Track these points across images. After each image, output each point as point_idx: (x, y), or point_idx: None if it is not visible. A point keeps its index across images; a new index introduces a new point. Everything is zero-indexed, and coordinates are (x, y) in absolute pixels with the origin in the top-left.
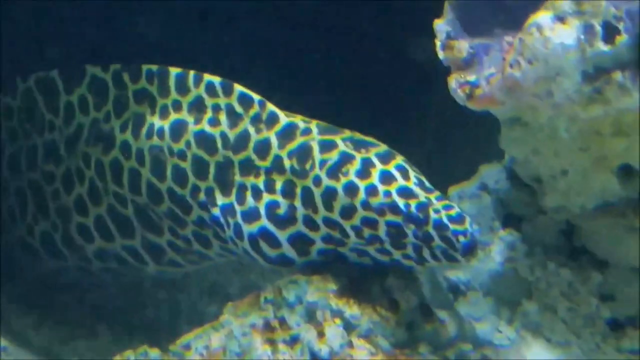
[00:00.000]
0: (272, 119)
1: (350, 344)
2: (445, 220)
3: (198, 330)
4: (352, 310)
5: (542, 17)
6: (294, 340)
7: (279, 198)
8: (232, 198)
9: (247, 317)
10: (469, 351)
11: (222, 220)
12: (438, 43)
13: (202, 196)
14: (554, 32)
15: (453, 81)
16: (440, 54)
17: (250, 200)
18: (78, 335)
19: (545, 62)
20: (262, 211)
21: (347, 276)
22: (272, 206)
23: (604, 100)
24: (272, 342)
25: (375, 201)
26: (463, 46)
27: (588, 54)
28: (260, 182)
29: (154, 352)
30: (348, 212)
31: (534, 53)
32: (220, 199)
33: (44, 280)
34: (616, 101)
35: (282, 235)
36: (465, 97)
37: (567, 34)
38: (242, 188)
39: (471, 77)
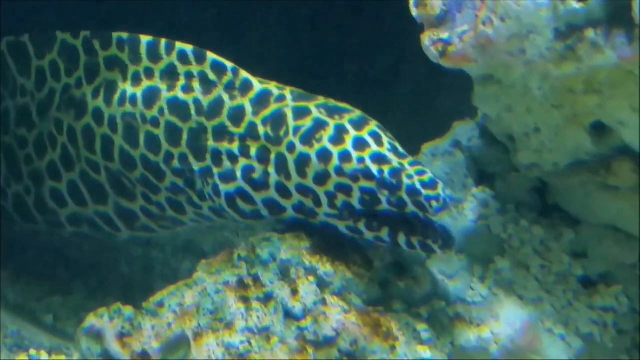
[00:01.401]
0: (246, 86)
1: (324, 302)
2: (418, 185)
3: (171, 288)
4: (325, 267)
5: None
6: (267, 298)
7: (254, 163)
8: (208, 162)
9: (221, 274)
10: (442, 308)
11: (203, 182)
12: (411, 1)
13: (175, 163)
14: None
15: (426, 39)
16: (414, 11)
17: (226, 163)
18: (53, 292)
19: (518, 19)
20: (239, 174)
21: (320, 234)
22: (247, 170)
23: (577, 58)
24: (245, 300)
25: (348, 167)
26: (436, 3)
27: (560, 11)
28: (235, 147)
29: (128, 310)
30: (321, 178)
31: (506, 10)
32: (195, 165)
33: (18, 239)
34: (588, 59)
35: (257, 197)
36: (438, 54)
37: None
38: (217, 153)
39: (444, 35)
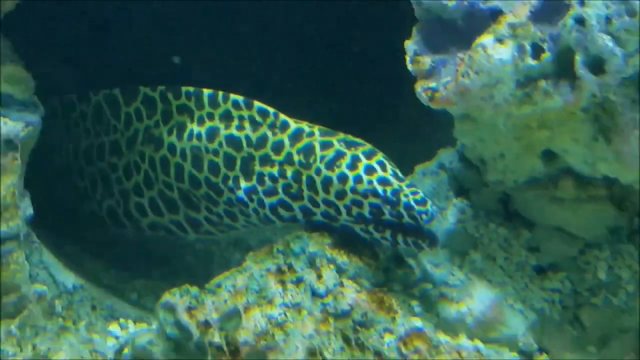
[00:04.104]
0: (284, 126)
1: (342, 284)
2: (412, 203)
3: (227, 273)
4: (342, 258)
5: (486, 39)
6: (298, 281)
7: (291, 182)
8: (254, 182)
9: (264, 263)
10: (430, 289)
11: (245, 199)
12: (408, 58)
13: (230, 182)
14: (495, 50)
15: (419, 87)
16: (409, 67)
17: (268, 182)
18: (137, 277)
19: (488, 73)
20: (280, 189)
21: (339, 233)
22: (287, 187)
23: (532, 102)
24: (282, 282)
25: (360, 187)
26: (426, 60)
27: (520, 67)
28: (275, 171)
29: (194, 290)
30: (341, 195)
31: (479, 66)
32: (243, 183)
33: (111, 238)
34: (541, 102)
35: (295, 205)
36: (428, 99)
37: (504, 52)
38: (261, 175)
39: (432, 84)
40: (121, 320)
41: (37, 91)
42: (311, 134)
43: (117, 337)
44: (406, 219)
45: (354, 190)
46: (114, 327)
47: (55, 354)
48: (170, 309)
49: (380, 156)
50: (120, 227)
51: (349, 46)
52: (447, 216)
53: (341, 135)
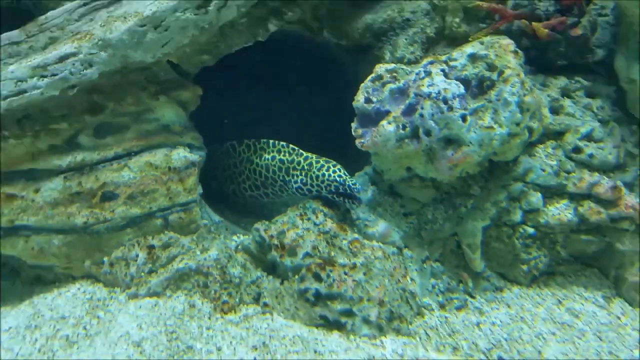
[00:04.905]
0: (301, 154)
1: (325, 220)
2: (350, 184)
3: (279, 216)
4: (326, 209)
5: (384, 122)
6: (309, 219)
7: (304, 177)
8: (290, 177)
9: (295, 212)
10: (360, 222)
11: (286, 185)
12: (352, 129)
13: (280, 178)
14: (387, 127)
15: (356, 142)
16: (353, 133)
17: (295, 178)
18: (243, 217)
19: (384, 136)
20: (299, 181)
21: (324, 199)
22: (302, 180)
23: (402, 148)
24: (302, 219)
25: (330, 178)
26: (359, 130)
27: (398, 134)
28: (298, 173)
29: (266, 222)
30: (322, 182)
31: (380, 133)
32: (286, 178)
33: (234, 202)
34: (406, 148)
35: (304, 187)
36: (360, 146)
37: (391, 128)
38: (293, 175)
39: (362, 140)
40: (237, 234)
41: (204, 142)
42: (312, 157)
43: (235, 241)
44: (348, 191)
45: (328, 180)
46: (235, 237)
47: (215, 249)
48: (257, 230)
49: (339, 166)
50: (237, 198)
51: (329, 125)
52: (368, 193)
53: (324, 158)
